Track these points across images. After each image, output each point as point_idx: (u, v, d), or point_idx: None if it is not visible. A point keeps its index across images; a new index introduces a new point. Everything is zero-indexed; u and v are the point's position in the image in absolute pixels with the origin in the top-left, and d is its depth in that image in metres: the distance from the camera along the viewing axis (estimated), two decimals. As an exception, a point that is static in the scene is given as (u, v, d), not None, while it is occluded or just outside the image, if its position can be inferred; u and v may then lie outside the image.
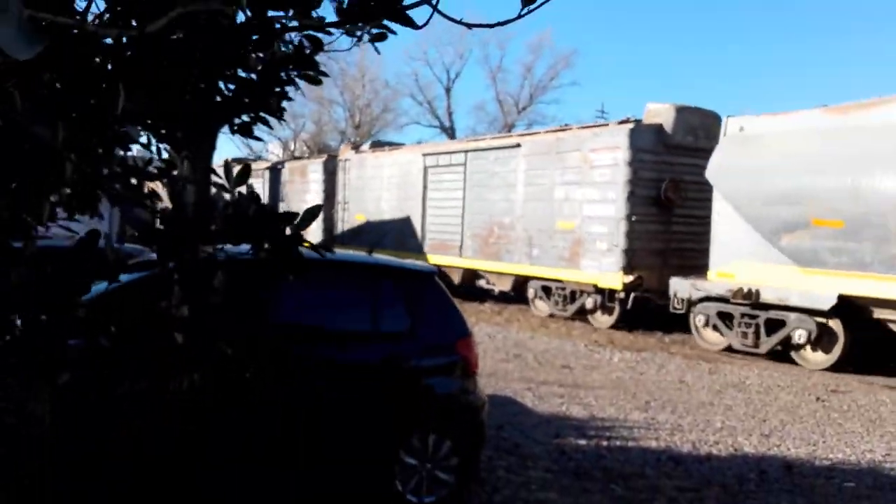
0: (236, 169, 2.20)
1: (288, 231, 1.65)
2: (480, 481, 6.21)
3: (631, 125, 14.83)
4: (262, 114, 2.16)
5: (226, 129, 2.37)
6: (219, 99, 2.17)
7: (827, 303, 11.74)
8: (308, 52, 2.14)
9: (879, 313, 11.63)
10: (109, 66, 1.76)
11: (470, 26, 1.34)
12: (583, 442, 7.68)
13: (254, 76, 2.21)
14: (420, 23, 1.31)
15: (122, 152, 2.07)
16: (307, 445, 5.32)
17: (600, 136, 15.29)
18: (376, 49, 2.00)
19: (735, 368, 12.16)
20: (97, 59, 1.73)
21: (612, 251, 14.70)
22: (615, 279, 14.82)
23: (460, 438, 5.70)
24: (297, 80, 2.18)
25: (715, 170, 13.21)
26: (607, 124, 16.04)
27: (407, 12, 1.27)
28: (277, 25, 1.62)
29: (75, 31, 1.66)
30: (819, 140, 11.75)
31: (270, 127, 2.41)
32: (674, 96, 73.49)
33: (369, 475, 5.56)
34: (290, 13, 1.51)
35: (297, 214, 1.66)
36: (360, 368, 5.51)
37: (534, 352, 13.03)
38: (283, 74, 2.20)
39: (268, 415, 5.14)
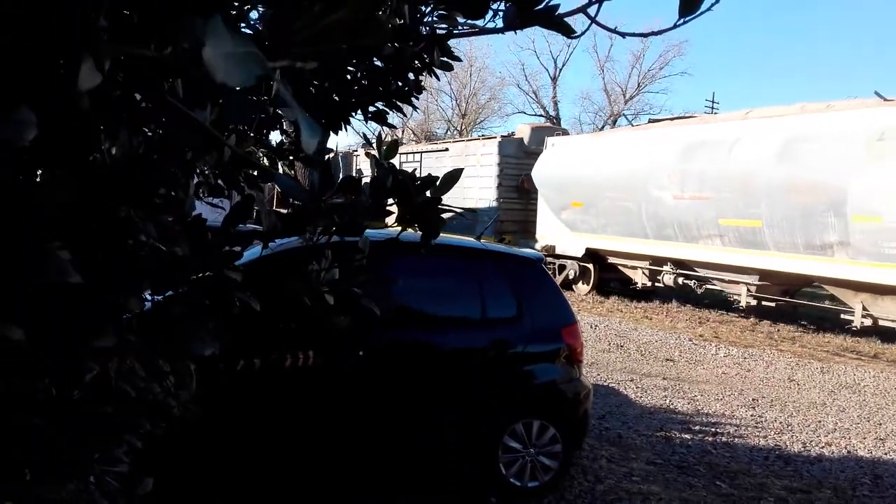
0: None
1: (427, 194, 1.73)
2: (583, 470, 6.21)
3: (499, 139, 22.45)
4: (395, 101, 2.24)
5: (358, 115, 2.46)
6: (355, 87, 2.25)
7: (580, 252, 18.72)
8: (441, 40, 2.19)
9: (612, 259, 18.45)
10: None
11: (624, 35, 1.35)
12: (687, 436, 7.56)
13: (388, 64, 2.29)
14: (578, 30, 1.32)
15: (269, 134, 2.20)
16: (415, 428, 5.45)
17: (485, 146, 22.70)
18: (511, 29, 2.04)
19: (849, 369, 11.68)
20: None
21: (491, 220, 19.89)
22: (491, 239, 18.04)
23: (564, 426, 5.72)
24: (430, 66, 2.24)
25: (536, 172, 19.78)
26: (492, 137, 23.56)
27: (564, 19, 1.29)
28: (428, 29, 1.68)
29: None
30: (581, 152, 18.64)
31: (404, 114, 2.49)
32: (782, 86, 70.75)
33: (474, 458, 5.64)
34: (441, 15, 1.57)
35: (436, 178, 1.73)
36: (467, 353, 5.59)
37: (637, 343, 12.87)
38: (416, 61, 2.27)
39: (378, 397, 5.30)
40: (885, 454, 7.44)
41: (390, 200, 1.66)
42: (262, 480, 5.26)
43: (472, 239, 6.52)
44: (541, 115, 50.73)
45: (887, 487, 6.44)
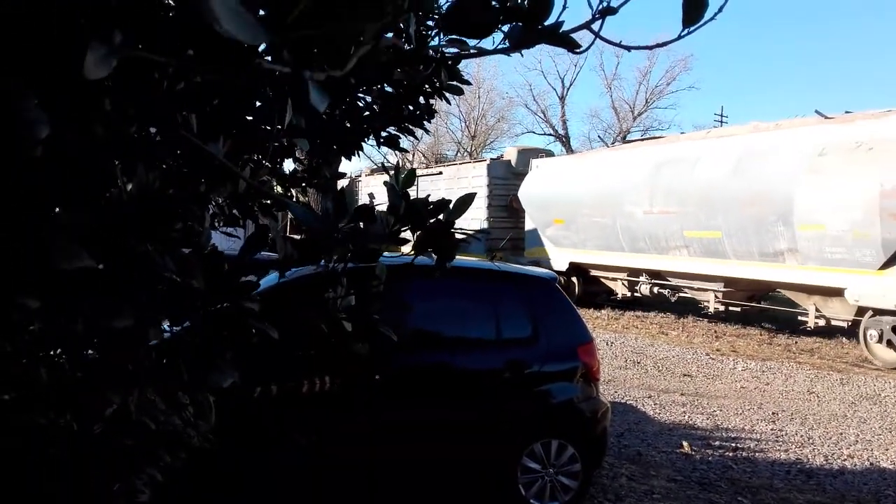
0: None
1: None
2: (603, 489, 6.17)
3: (488, 162, 24.53)
4: (407, 125, 2.25)
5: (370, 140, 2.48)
6: (366, 113, 2.28)
7: (564, 266, 19.40)
8: (450, 62, 2.21)
9: (594, 272, 19.32)
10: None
11: (629, 48, 1.35)
12: (708, 451, 7.50)
13: (399, 90, 2.31)
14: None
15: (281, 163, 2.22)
16: (433, 450, 5.44)
17: (476, 168, 24.61)
18: (520, 52, 2.06)
19: (869, 380, 11.57)
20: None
21: (481, 239, 22.13)
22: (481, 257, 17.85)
23: (583, 445, 5.68)
24: (440, 90, 2.26)
25: (522, 191, 21.06)
26: (482, 160, 26.08)
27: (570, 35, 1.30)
28: (434, 52, 1.70)
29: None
30: (562, 172, 20.01)
31: (417, 138, 2.51)
32: (789, 99, 70.70)
33: (493, 479, 5.61)
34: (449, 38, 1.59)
35: (449, 202, 1.75)
36: (483, 374, 5.59)
37: (653, 359, 12.80)
38: (426, 86, 2.29)
39: (395, 421, 5.30)
40: (909, 466, 7.35)
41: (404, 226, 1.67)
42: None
43: (485, 260, 6.53)
44: (550, 135, 50.85)
45: (912, 499, 6.36)
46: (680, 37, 1.28)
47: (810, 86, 77.25)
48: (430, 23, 1.85)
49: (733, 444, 7.81)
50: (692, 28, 1.23)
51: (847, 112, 14.02)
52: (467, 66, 44.78)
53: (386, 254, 2.01)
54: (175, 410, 1.77)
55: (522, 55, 1.86)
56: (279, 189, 2.70)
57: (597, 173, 18.52)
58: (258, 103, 1.98)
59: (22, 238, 1.06)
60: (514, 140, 52.38)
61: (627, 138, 43.64)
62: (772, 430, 8.50)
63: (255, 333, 1.63)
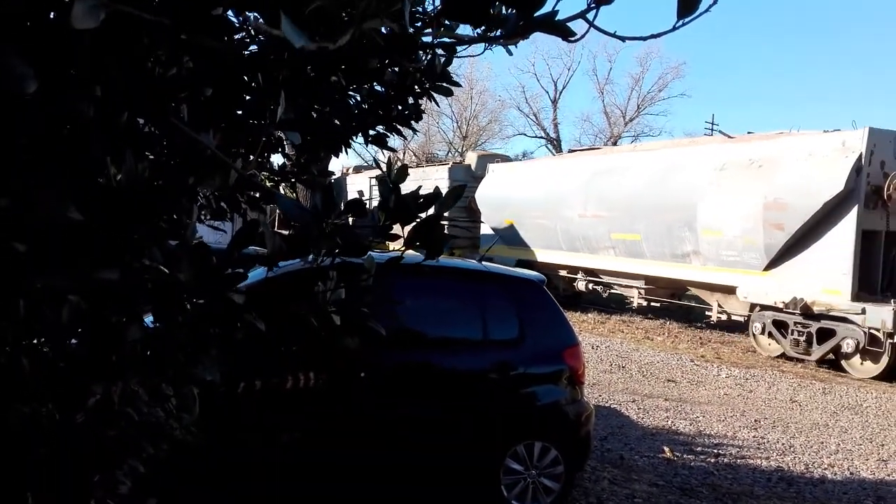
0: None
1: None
2: (585, 492, 6.18)
3: (450, 165, 25.68)
4: (395, 125, 2.25)
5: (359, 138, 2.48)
6: (356, 111, 2.27)
7: (513, 263, 18.97)
8: (442, 62, 2.21)
9: (539, 270, 19.07)
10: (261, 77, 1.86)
11: (624, 39, 1.35)
12: (690, 457, 7.53)
13: (388, 90, 2.30)
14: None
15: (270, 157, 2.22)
16: (416, 449, 5.43)
17: (438, 172, 24.86)
18: (508, 51, 2.06)
19: (851, 390, 11.65)
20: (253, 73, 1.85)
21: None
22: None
23: (566, 447, 5.69)
24: (430, 91, 2.26)
25: (478, 194, 22.27)
26: (444, 163, 27.22)
27: (566, 24, 1.30)
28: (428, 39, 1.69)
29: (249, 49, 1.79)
30: (514, 177, 21.53)
31: (404, 137, 2.50)
32: (783, 109, 71.13)
33: (475, 480, 5.61)
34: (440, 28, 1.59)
35: (439, 195, 1.75)
36: (469, 375, 5.59)
37: (638, 364, 12.84)
38: (416, 87, 2.28)
39: (380, 418, 5.30)
40: (889, 475, 7.40)
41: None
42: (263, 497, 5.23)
43: (473, 261, 6.53)
44: (541, 137, 50.96)
45: (891, 509, 6.41)
46: (675, 28, 1.28)
47: (801, 98, 77.64)
48: (421, 8, 1.85)
49: (715, 451, 7.84)
50: (687, 19, 1.23)
51: (749, 132, 16.18)
52: (460, 67, 44.82)
53: (374, 252, 2.01)
54: (159, 402, 1.76)
55: (516, 48, 1.85)
56: (268, 184, 2.69)
57: (543, 179, 20.30)
58: (248, 97, 1.98)
59: (9, 191, 1.05)
60: (507, 142, 52.53)
61: (618, 144, 43.78)
62: (754, 437, 8.54)
63: (241, 328, 1.62)
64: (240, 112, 1.99)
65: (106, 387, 1.53)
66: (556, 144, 49.40)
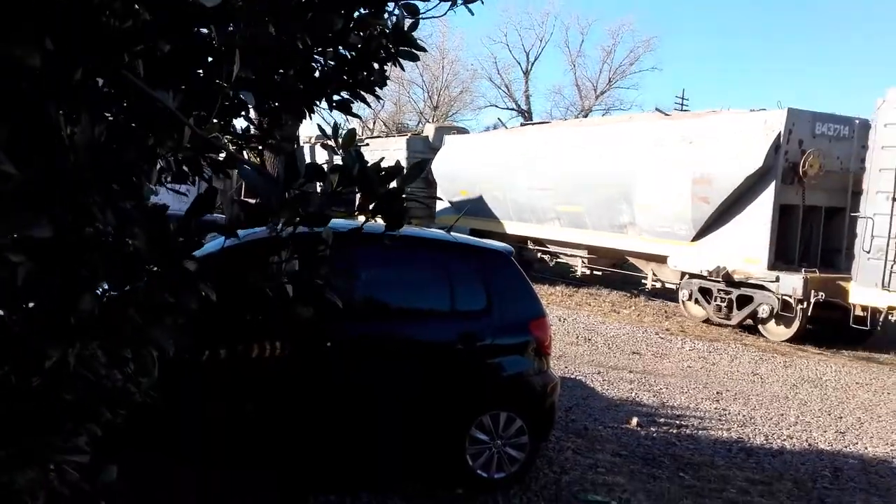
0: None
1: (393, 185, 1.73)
2: (549, 461, 6.26)
3: (408, 137, 26.03)
4: (360, 91, 2.23)
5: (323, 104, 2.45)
6: (317, 75, 2.24)
7: (466, 232, 18.00)
8: (407, 26, 2.19)
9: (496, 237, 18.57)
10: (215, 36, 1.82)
11: None
12: (652, 428, 7.64)
13: (352, 53, 2.27)
14: None
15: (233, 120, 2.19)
16: (382, 419, 5.45)
17: (397, 143, 25.11)
18: (470, 11, 2.04)
19: (811, 364, 11.89)
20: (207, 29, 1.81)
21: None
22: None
23: (531, 417, 5.74)
24: (395, 56, 2.24)
25: (435, 165, 22.58)
26: (403, 135, 27.28)
27: None
28: None
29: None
30: (468, 149, 22.24)
31: (369, 105, 2.48)
32: (753, 84, 71.64)
33: (441, 450, 5.64)
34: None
35: (401, 168, 1.74)
36: (435, 345, 5.60)
37: (604, 336, 12.98)
38: (381, 51, 2.26)
39: (345, 389, 5.30)
40: (845, 447, 7.58)
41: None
42: (225, 468, 5.23)
43: (442, 231, 6.52)
44: (513, 109, 50.77)
45: (847, 480, 6.56)
46: None
47: (773, 74, 77.99)
48: None
49: (678, 422, 7.96)
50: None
51: (684, 110, 17.37)
52: (432, 36, 44.27)
53: (334, 221, 1.99)
54: (117, 365, 1.74)
55: (482, 3, 1.83)
56: (232, 148, 2.65)
57: (494, 151, 21.11)
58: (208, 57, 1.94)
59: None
60: (478, 112, 52.22)
61: (588, 117, 43.80)
62: (715, 408, 8.68)
63: (193, 297, 1.60)
64: (200, 71, 1.95)
65: (62, 349, 1.51)
66: (527, 117, 49.19)
